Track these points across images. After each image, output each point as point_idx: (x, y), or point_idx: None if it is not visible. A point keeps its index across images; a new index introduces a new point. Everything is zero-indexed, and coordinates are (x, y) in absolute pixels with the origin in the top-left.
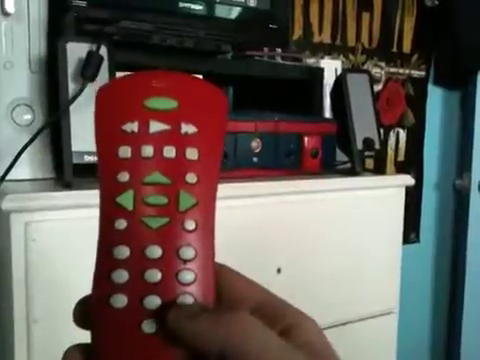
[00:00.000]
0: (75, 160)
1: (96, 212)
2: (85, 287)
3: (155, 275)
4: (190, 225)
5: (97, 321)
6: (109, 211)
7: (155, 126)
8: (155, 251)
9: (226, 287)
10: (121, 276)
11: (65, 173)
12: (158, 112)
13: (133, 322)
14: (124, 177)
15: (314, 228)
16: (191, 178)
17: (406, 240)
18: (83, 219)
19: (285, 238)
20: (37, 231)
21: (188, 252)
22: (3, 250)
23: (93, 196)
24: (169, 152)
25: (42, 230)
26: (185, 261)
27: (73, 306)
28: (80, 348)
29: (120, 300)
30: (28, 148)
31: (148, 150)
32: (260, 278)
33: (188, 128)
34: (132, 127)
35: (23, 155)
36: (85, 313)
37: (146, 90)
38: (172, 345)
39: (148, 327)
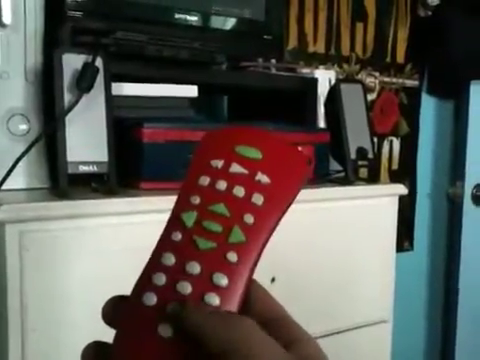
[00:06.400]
0: (70, 170)
1: (90, 222)
2: (79, 296)
3: (186, 288)
4: (232, 257)
5: (124, 314)
6: (172, 223)
7: (235, 168)
8: (194, 267)
9: (250, 298)
10: (160, 279)
11: (60, 183)
12: (243, 158)
13: (152, 322)
14: (195, 200)
15: (308, 237)
16: (248, 218)
17: (400, 248)
18: (77, 229)
19: (279, 247)
20: (31, 241)
21: (221, 280)
22: None
23: (88, 206)
24: (238, 191)
25: (37, 240)
26: (215, 286)
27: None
28: (97, 344)
29: (150, 298)
30: (24, 158)
31: (222, 184)
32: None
33: (262, 177)
34: (217, 163)
35: (18, 165)
36: (114, 310)
37: (241, 138)
38: (181, 350)
39: (163, 330)
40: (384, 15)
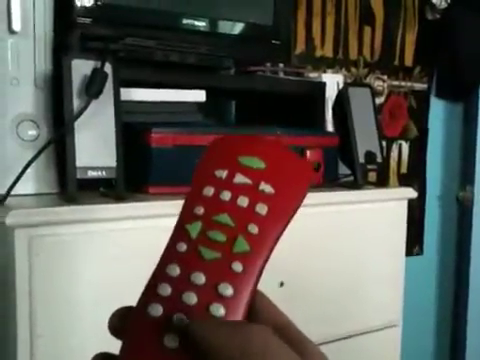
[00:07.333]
0: (79, 175)
1: (99, 227)
2: (88, 301)
3: (191, 298)
4: (237, 267)
5: (130, 325)
6: (177, 233)
7: (239, 178)
8: (199, 278)
9: (255, 308)
10: (165, 290)
11: (69, 188)
12: (247, 168)
13: (158, 333)
14: (199, 210)
15: (317, 241)
16: (252, 228)
17: (409, 252)
18: (86, 234)
19: (288, 251)
20: (41, 246)
21: (226, 290)
22: (7, 265)
23: (96, 211)
24: (242, 201)
25: (46, 245)
26: (221, 297)
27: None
28: (104, 355)
29: (156, 309)
30: (33, 163)
31: (226, 195)
32: (263, 291)
33: (266, 187)
34: (221, 174)
35: (28, 170)
36: (122, 321)
37: (244, 148)
38: None
39: (169, 341)
40: (392, 18)
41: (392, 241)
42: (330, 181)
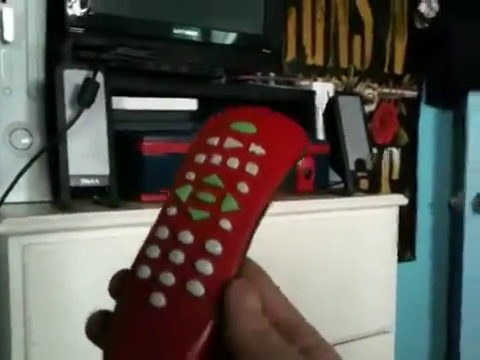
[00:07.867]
0: (72, 183)
1: (93, 235)
2: (82, 309)
3: (178, 256)
4: (225, 225)
5: (123, 287)
6: (168, 199)
7: (230, 142)
8: (186, 236)
9: (267, 302)
10: (153, 252)
11: (62, 196)
12: (237, 133)
13: (145, 292)
14: (190, 176)
15: (308, 248)
16: (242, 187)
17: (402, 258)
18: (80, 242)
19: (279, 258)
20: (34, 254)
21: (214, 247)
22: (1, 273)
23: (90, 219)
24: (232, 163)
25: (40, 253)
26: (209, 254)
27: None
28: (102, 312)
29: (144, 271)
30: (26, 172)
31: (216, 159)
32: None
33: (256, 148)
34: (213, 141)
35: (21, 178)
36: (121, 283)
37: (236, 116)
38: (173, 321)
39: (155, 300)
40: (381, 27)
41: (383, 248)
42: (321, 188)
